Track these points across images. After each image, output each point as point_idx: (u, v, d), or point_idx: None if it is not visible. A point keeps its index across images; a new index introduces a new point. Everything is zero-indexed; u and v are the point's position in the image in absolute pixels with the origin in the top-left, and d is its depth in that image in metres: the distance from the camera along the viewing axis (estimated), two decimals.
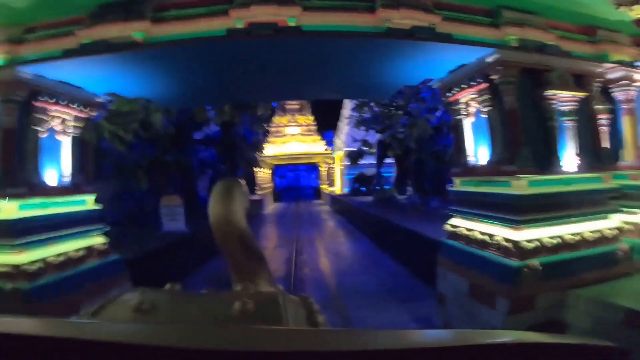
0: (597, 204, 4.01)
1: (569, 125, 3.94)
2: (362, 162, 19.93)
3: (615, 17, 4.01)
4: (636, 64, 4.40)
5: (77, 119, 4.59)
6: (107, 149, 6.84)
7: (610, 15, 4.00)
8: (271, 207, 27.70)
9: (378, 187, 16.68)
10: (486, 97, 3.96)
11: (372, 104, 11.94)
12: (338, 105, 29.47)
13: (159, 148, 8.10)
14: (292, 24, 3.49)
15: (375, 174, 18.98)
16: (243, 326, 0.80)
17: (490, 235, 3.98)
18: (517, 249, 3.62)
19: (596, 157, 4.10)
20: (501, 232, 3.85)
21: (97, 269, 4.37)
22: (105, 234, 4.79)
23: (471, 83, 4.12)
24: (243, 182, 1.33)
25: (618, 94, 4.47)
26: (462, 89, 4.32)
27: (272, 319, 0.89)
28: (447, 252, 4.82)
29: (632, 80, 4.38)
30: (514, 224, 3.65)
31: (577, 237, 3.86)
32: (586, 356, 0.68)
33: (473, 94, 4.19)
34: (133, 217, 9.32)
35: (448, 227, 4.88)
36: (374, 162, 21.78)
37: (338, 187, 29.06)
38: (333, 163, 30.45)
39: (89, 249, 4.42)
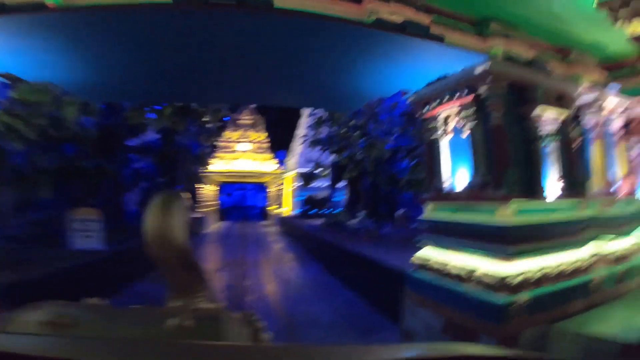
0: (575, 233, 3.79)
1: (551, 148, 3.70)
2: (313, 184, 19.45)
3: (590, 38, 3.95)
4: (607, 87, 4.39)
5: None
6: (7, 149, 5.35)
7: (585, 35, 3.92)
8: (215, 226, 25.87)
9: (329, 210, 16.21)
10: (470, 111, 3.59)
11: (329, 122, 11.57)
12: (293, 125, 29.09)
13: (75, 151, 6.64)
14: None
15: (327, 196, 18.58)
16: (181, 342, 0.72)
17: (470, 269, 3.50)
18: (504, 284, 3.16)
19: (572, 183, 3.91)
20: (483, 265, 3.39)
21: None
22: None
23: (454, 96, 3.74)
24: (184, 195, 1.22)
25: (588, 119, 4.41)
26: (442, 103, 3.94)
27: (212, 336, 0.81)
28: (415, 286, 4.27)
29: (602, 104, 4.34)
30: (501, 256, 3.21)
31: (559, 268, 3.56)
32: None
33: (455, 108, 3.81)
34: (38, 232, 7.60)
35: (417, 259, 4.35)
36: (324, 184, 21.47)
37: (287, 209, 28.13)
38: (283, 184, 29.61)
39: None
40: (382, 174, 9.77)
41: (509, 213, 3.18)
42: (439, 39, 3.16)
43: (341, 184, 17.83)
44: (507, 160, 3.33)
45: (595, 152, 4.43)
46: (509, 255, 3.15)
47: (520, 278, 3.18)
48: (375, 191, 11.86)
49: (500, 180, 3.26)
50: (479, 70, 3.41)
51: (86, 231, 7.25)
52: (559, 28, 3.77)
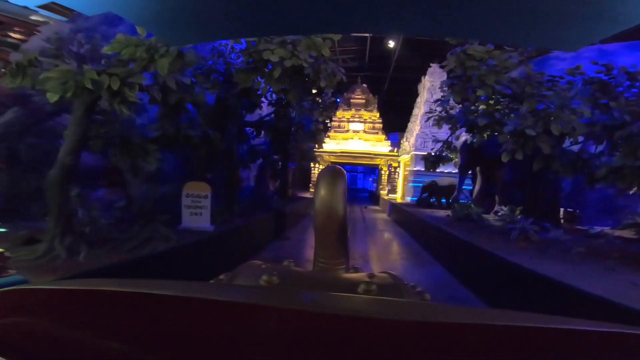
0: None
1: None
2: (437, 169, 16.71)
3: None
4: None
5: None
6: (114, 115, 4.90)
7: None
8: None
9: (460, 201, 13.50)
10: None
11: (471, 89, 8.86)
12: (407, 105, 26.31)
13: (183, 119, 6.05)
14: None
15: (454, 184, 15.66)
16: (380, 298, 0.81)
17: None
18: None
19: None
20: None
21: None
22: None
23: None
24: (343, 170, 1.29)
25: None
26: None
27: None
28: None
29: None
30: None
31: None
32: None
33: None
34: (159, 208, 7.54)
35: None
36: (447, 170, 18.39)
37: (399, 195, 25.87)
38: (397, 167, 27.26)
39: None
40: (563, 157, 6.74)
41: None
42: None
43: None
44: None
45: None
46: None
47: None
48: (537, 181, 8.73)
49: None
50: None
51: (195, 208, 6.77)
52: None
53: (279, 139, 11.65)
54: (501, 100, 8.56)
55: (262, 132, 11.51)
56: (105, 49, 4.38)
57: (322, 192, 1.19)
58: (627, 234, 9.39)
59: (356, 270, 1.34)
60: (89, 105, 4.53)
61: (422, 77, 24.48)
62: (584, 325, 0.60)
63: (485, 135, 9.45)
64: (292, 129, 11.82)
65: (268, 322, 0.55)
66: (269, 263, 1.04)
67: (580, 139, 6.96)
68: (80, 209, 5.63)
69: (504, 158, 6.93)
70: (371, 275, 1.00)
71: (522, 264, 5.55)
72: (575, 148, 8.19)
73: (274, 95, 10.52)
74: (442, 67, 9.46)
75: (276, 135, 11.37)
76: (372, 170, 34.05)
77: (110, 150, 5.25)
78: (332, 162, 28.25)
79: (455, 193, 13.87)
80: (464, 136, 13.34)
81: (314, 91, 11.01)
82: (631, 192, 6.36)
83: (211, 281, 0.93)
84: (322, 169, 1.29)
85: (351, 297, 0.71)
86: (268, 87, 7.10)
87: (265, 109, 12.15)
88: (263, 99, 10.55)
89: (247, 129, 12.01)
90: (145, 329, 0.55)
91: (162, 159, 10.21)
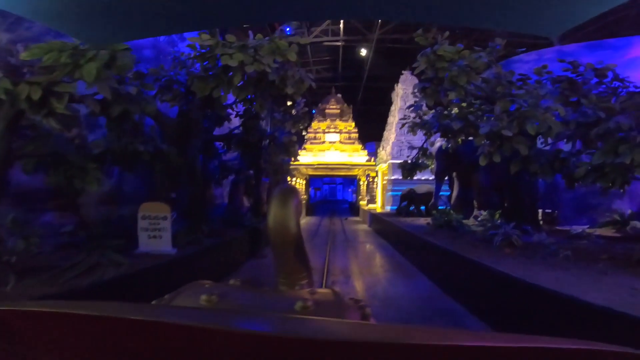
0: None
1: None
2: (413, 177, 16.57)
3: None
4: None
5: None
6: (45, 129, 4.23)
7: None
8: (303, 221, 25.04)
9: (438, 207, 13.32)
10: None
11: (442, 94, 8.70)
12: (382, 114, 26.47)
13: (133, 133, 5.41)
14: None
15: (430, 191, 15.52)
16: (312, 318, 0.80)
17: None
18: None
19: None
20: None
21: None
22: None
23: None
24: (298, 188, 0.93)
25: None
26: None
27: (330, 317, 0.85)
28: None
29: None
30: None
31: None
32: None
33: None
34: (115, 231, 6.77)
35: None
36: (424, 177, 18.32)
37: (379, 204, 25.67)
38: (376, 177, 27.14)
39: None
40: (541, 158, 6.54)
41: None
42: None
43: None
44: None
45: None
46: None
47: None
48: (515, 183, 8.58)
49: None
50: None
51: (154, 230, 6.08)
52: None
53: (250, 153, 11.08)
54: (474, 102, 8.42)
55: (233, 146, 10.92)
56: (23, 56, 3.76)
57: (274, 211, 1.18)
58: (607, 232, 9.39)
59: (333, 285, 1.23)
60: (11, 119, 3.87)
61: (395, 85, 24.75)
62: (544, 343, 0.54)
63: (460, 139, 9.28)
64: (264, 141, 11.30)
65: (197, 344, 0.55)
66: (214, 282, 1.02)
67: (551, 140, 6.84)
68: (12, 236, 4.88)
69: (482, 161, 6.68)
70: (312, 292, 1.00)
71: (511, 272, 5.19)
72: (548, 148, 8.14)
73: (240, 106, 10.00)
74: (412, 70, 9.31)
75: (247, 148, 10.80)
76: (351, 181, 33.93)
77: (45, 170, 4.57)
78: (309, 175, 27.76)
79: (433, 200, 13.68)
80: (438, 142, 13.25)
81: (289, 103, 10.60)
82: (605, 189, 6.24)
83: (153, 302, 0.91)
84: (275, 189, 1.27)
85: (283, 317, 0.72)
86: (228, 95, 6.56)
87: (237, 122, 11.60)
88: (230, 111, 10.00)
89: (217, 143, 11.37)
90: (82, 352, 0.56)
91: (122, 178, 9.41)
